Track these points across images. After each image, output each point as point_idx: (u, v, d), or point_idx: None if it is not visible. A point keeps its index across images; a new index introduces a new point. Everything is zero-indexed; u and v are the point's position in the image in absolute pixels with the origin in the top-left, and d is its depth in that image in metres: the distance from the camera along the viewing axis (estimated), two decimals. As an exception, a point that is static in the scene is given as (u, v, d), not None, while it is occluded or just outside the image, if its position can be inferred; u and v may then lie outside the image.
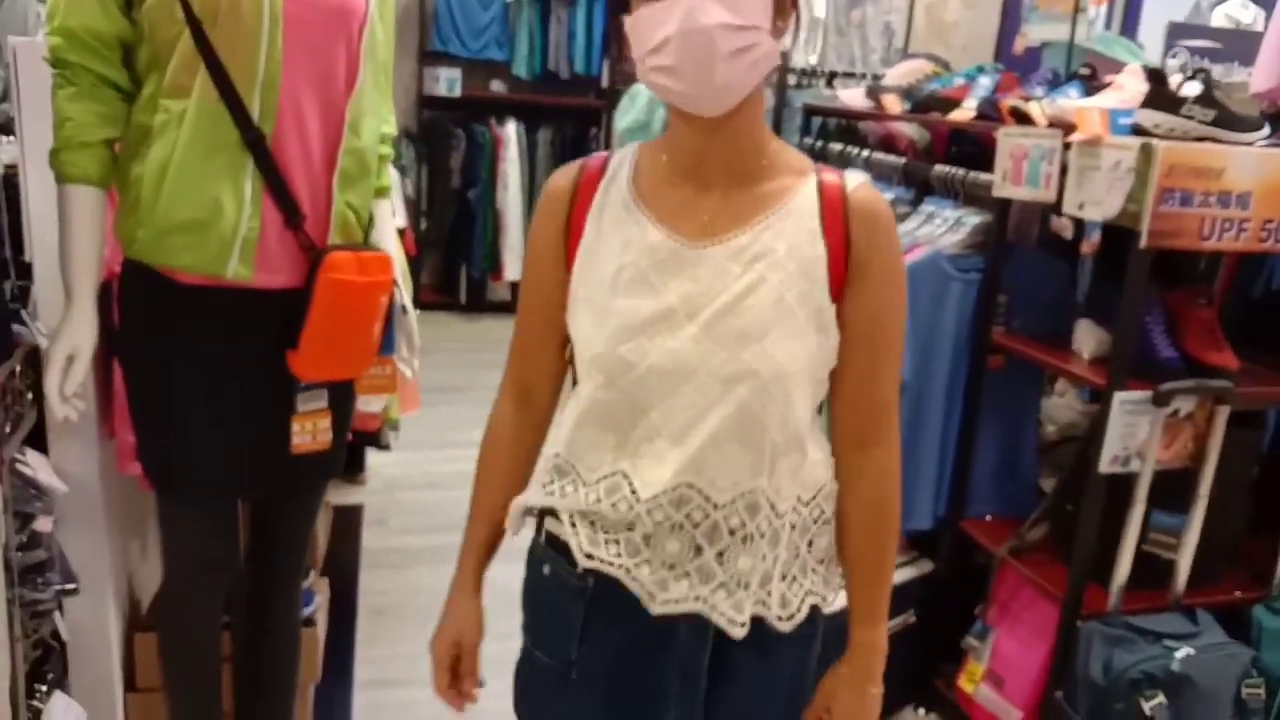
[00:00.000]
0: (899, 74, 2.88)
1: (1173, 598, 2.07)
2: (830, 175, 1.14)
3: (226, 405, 1.48)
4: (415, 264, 5.95)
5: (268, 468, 1.54)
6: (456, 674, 1.27)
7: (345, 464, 3.43)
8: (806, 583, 1.18)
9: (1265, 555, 2.18)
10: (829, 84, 3.97)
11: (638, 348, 1.10)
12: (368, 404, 2.00)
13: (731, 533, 1.13)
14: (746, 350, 1.08)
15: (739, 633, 1.14)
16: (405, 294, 1.64)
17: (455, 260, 6.20)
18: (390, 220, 1.67)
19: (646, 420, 1.12)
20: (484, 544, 1.27)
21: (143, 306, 1.46)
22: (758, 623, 1.15)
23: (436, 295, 6.21)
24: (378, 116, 1.55)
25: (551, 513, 1.19)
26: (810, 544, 1.18)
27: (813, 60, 5.92)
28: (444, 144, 5.99)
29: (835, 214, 1.12)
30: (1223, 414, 1.97)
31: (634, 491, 1.13)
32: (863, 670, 1.21)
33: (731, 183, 1.12)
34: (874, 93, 2.78)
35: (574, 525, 1.16)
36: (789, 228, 1.11)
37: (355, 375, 1.58)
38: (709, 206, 1.11)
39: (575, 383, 1.22)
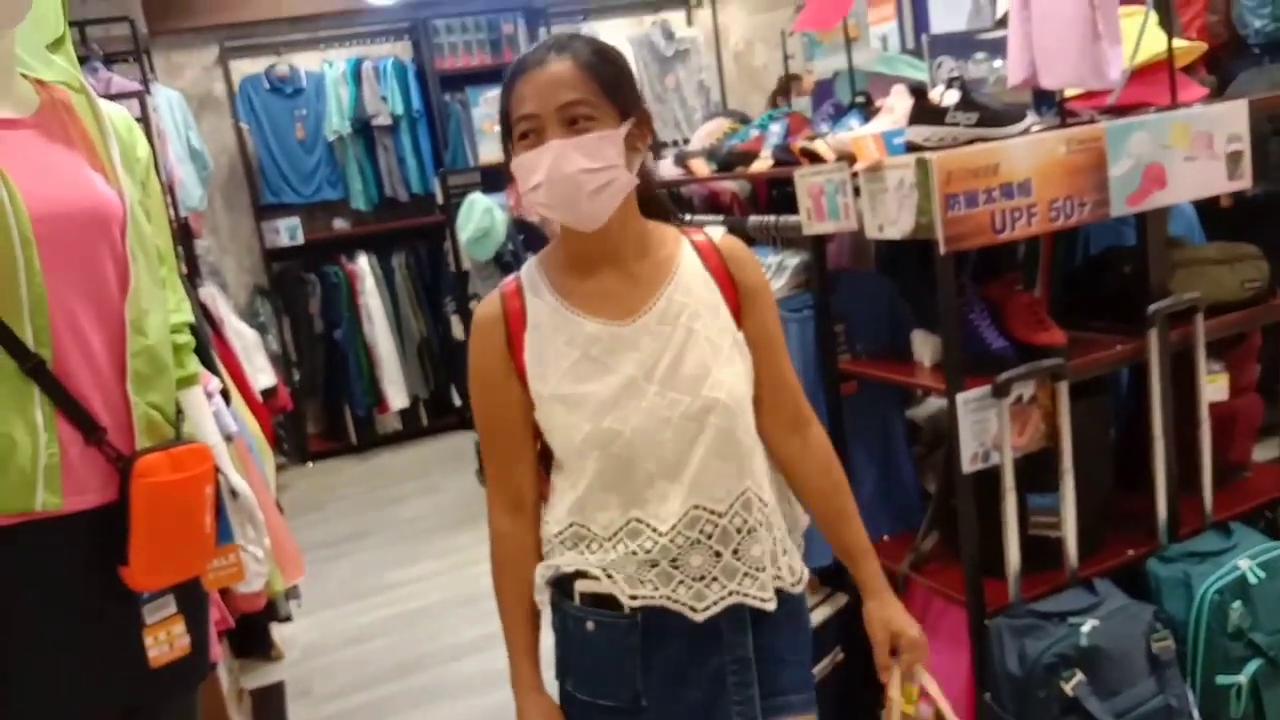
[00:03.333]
0: (702, 136, 2.98)
1: (1069, 574, 2.12)
2: (697, 235, 1.46)
3: (69, 642, 1.41)
4: (296, 417, 5.86)
5: (130, 690, 1.47)
6: None
7: (253, 644, 3.34)
8: (796, 551, 1.50)
9: (1146, 509, 2.25)
10: (656, 156, 4.08)
11: (618, 417, 1.34)
12: (247, 585, 1.94)
13: (738, 531, 1.39)
14: (703, 387, 1.36)
15: (771, 606, 1.42)
16: (234, 477, 1.61)
17: (337, 403, 6.11)
18: (204, 407, 1.64)
19: (643, 471, 1.36)
20: (532, 644, 1.46)
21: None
22: (779, 593, 1.43)
23: (325, 442, 6.10)
24: (163, 309, 1.53)
25: (582, 575, 1.39)
26: (783, 518, 1.48)
27: (637, 132, 6.07)
28: (299, 292, 5.95)
29: (715, 262, 1.43)
30: (1063, 390, 2.04)
31: (654, 529, 1.36)
32: (888, 589, 1.53)
33: (625, 266, 1.39)
34: (681, 159, 2.86)
35: (610, 576, 1.37)
36: (687, 284, 1.40)
37: (197, 573, 1.53)
38: (618, 290, 1.38)
39: (549, 471, 1.46)
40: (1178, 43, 2.33)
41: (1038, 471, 2.09)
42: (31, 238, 1.33)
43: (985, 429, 2.01)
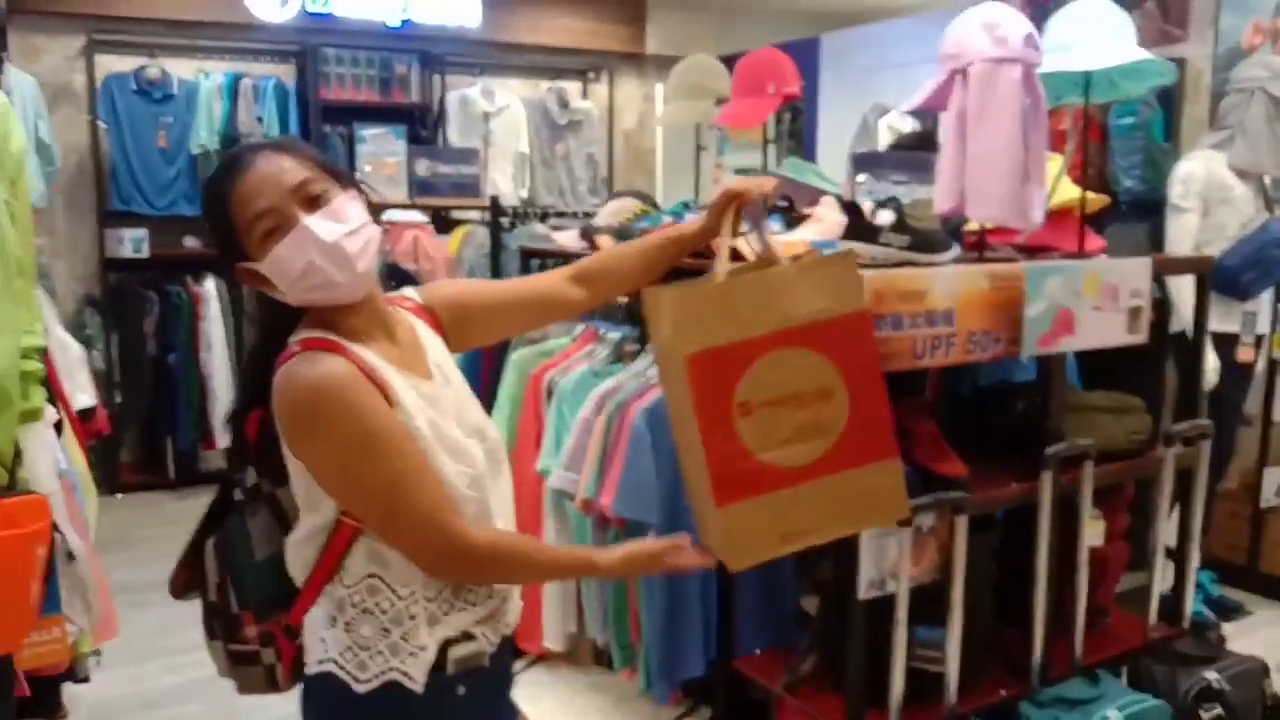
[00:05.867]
0: (609, 213, 2.89)
1: (946, 710, 2.07)
2: (406, 303, 1.51)
3: None
4: (113, 443, 5.36)
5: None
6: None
7: (38, 707, 2.94)
8: None
9: (1017, 645, 2.24)
10: (542, 220, 3.98)
11: (475, 464, 1.38)
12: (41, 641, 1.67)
13: None
14: (490, 430, 1.47)
15: None
16: (72, 536, 1.37)
17: (159, 433, 5.63)
18: (45, 450, 1.40)
19: (493, 514, 1.41)
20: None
21: None
22: None
23: (140, 474, 5.60)
24: (14, 332, 1.30)
25: (459, 640, 1.37)
26: None
27: (523, 195, 5.97)
28: (135, 308, 5.48)
29: (433, 321, 1.51)
30: (962, 523, 2.02)
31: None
32: None
33: (393, 336, 1.40)
34: (587, 234, 2.76)
35: (483, 633, 1.41)
36: (437, 346, 1.48)
37: (11, 650, 1.29)
38: (400, 354, 1.38)
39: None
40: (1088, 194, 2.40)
41: (921, 602, 2.05)
42: None
43: (885, 556, 1.95)
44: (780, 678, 2.20)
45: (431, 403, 1.37)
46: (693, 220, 1.63)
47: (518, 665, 2.58)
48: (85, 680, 2.77)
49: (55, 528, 1.31)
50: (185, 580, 1.43)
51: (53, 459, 1.43)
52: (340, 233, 1.29)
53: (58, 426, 1.91)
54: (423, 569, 1.33)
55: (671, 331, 1.37)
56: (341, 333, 1.33)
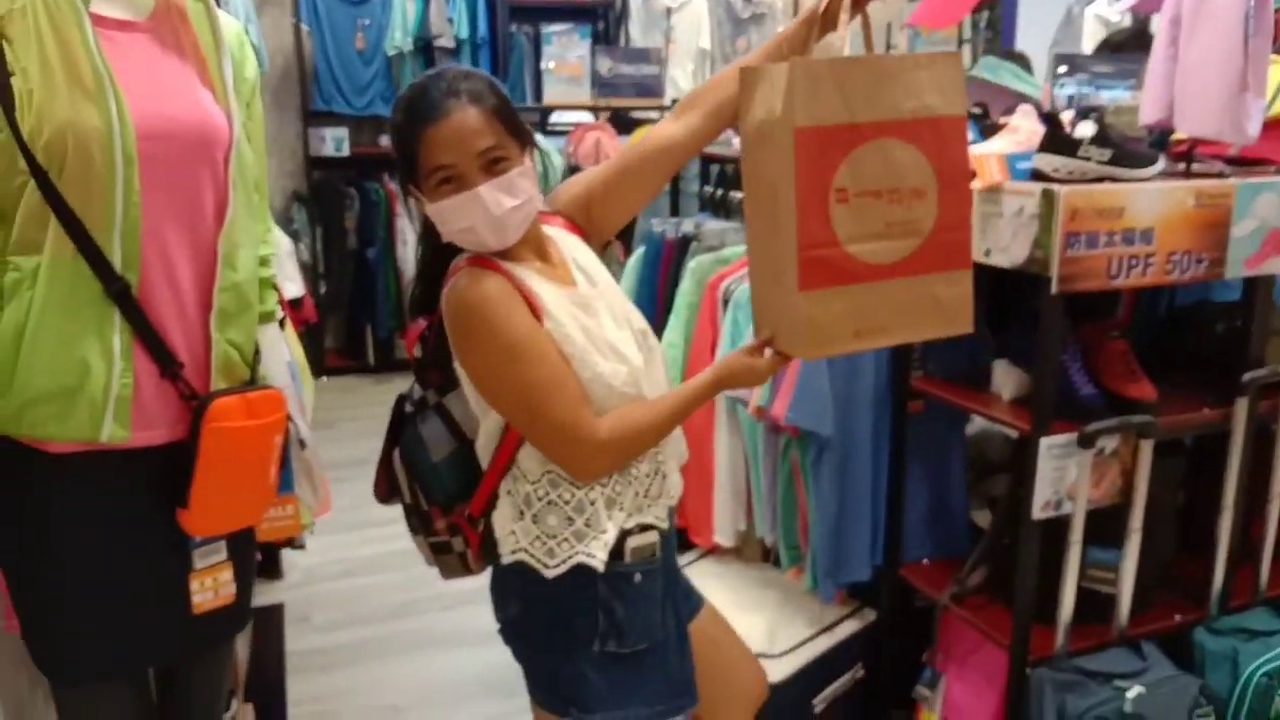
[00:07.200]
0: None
1: (1116, 631, 2.06)
2: (553, 219, 1.57)
3: (113, 577, 1.35)
4: (318, 330, 5.77)
5: (169, 634, 1.41)
6: None
7: (263, 570, 3.29)
8: None
9: (1198, 572, 2.19)
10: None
11: (626, 358, 1.46)
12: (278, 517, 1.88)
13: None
14: (637, 319, 1.55)
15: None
16: (303, 426, 1.54)
17: (359, 322, 6.02)
18: (280, 348, 1.57)
19: (644, 397, 1.48)
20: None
21: (7, 482, 1.32)
22: None
23: (342, 359, 6.03)
24: (255, 243, 1.45)
25: (636, 530, 1.50)
26: None
27: (702, 91, 5.92)
28: (337, 204, 5.83)
29: (569, 222, 1.60)
30: (1146, 448, 1.97)
31: (662, 461, 1.54)
32: None
33: (544, 254, 1.49)
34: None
35: (658, 520, 1.53)
36: (585, 253, 1.57)
37: (254, 523, 1.47)
38: (553, 270, 1.48)
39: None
40: (1316, 101, 2.22)
41: (1100, 523, 2.03)
42: (135, 156, 1.25)
43: (1063, 477, 1.94)
44: (947, 588, 2.24)
45: (583, 308, 1.46)
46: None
47: (690, 556, 2.71)
48: (302, 548, 3.08)
49: (289, 418, 1.48)
50: (386, 487, 1.59)
51: (283, 355, 1.59)
52: (508, 206, 1.36)
53: (281, 323, 2.11)
54: (567, 473, 1.44)
55: (784, 102, 1.30)
56: (499, 255, 1.43)
